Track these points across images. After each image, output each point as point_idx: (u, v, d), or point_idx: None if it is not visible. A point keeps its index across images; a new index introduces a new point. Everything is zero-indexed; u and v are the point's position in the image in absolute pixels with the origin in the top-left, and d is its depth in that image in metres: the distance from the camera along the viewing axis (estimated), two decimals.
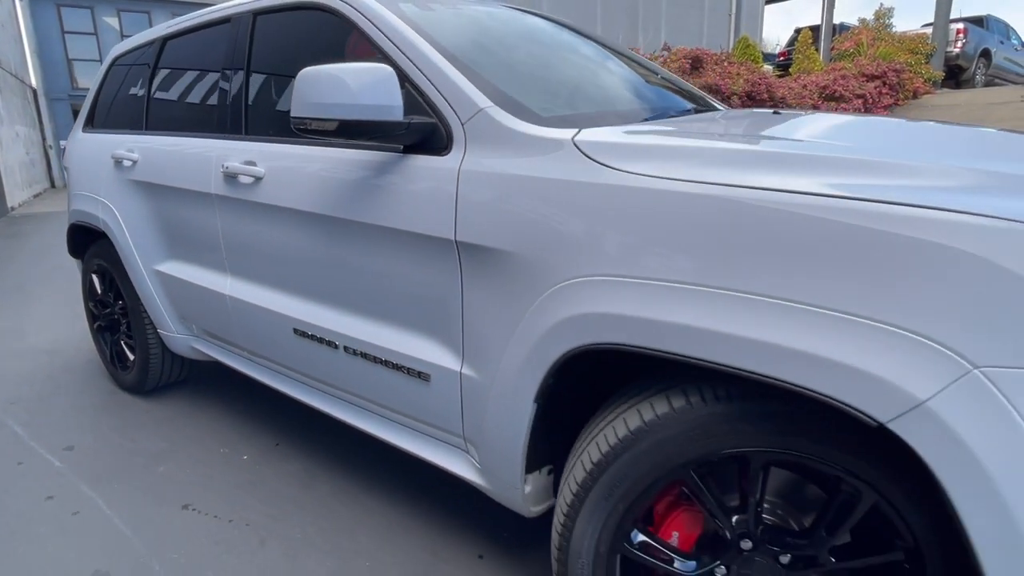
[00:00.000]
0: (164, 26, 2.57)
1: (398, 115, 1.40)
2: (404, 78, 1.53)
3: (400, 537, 1.83)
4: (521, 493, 1.39)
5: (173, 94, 2.41)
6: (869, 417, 0.87)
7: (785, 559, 1.09)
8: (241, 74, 2.05)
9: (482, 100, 1.41)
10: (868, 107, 11.15)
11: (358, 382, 1.73)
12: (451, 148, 1.42)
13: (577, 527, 1.16)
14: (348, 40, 1.74)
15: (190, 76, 2.33)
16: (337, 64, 1.40)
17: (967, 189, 0.91)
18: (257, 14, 2.04)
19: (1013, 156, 1.18)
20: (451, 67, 1.49)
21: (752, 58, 10.94)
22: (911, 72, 12.00)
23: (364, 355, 1.66)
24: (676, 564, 1.14)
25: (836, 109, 10.73)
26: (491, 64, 1.66)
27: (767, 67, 16.07)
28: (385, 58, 1.58)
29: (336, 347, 1.73)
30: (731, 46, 12.08)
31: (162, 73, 2.49)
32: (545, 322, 1.20)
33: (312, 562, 1.74)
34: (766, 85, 9.41)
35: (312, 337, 1.80)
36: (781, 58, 15.11)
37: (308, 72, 1.40)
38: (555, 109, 1.55)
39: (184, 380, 2.92)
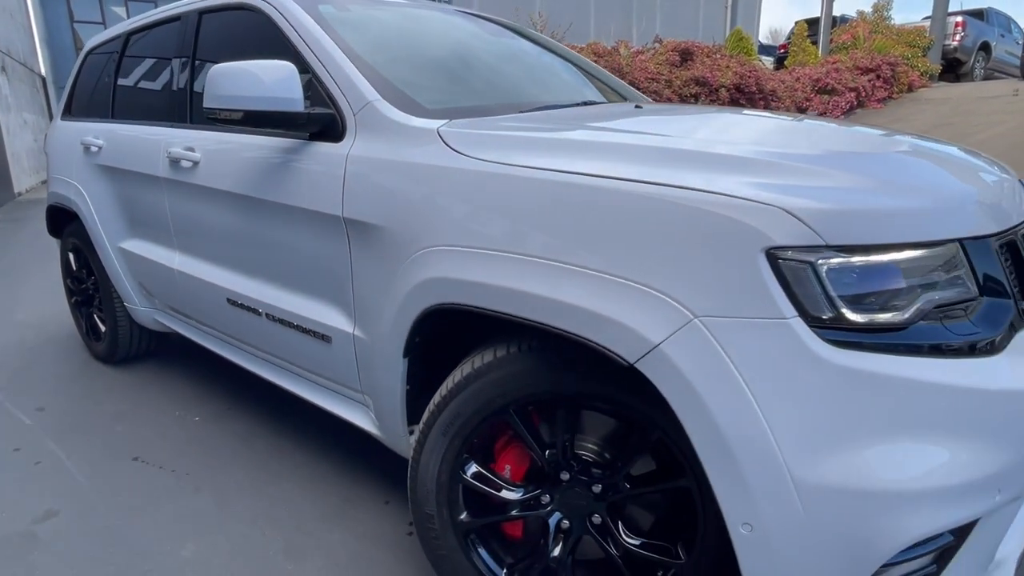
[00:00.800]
0: (129, 21, 2.77)
1: (299, 107, 1.59)
2: (312, 73, 1.72)
3: (320, 486, 2.04)
4: (407, 441, 1.59)
5: (133, 85, 2.62)
6: (622, 358, 1.06)
7: (597, 488, 1.28)
8: (187, 67, 2.25)
9: (371, 94, 1.60)
10: (861, 100, 11.19)
11: (279, 345, 1.94)
12: (345, 136, 1.61)
13: (423, 459, 1.35)
14: None
15: (147, 68, 2.54)
16: (244, 61, 1.60)
17: (728, 174, 1.09)
18: (202, 13, 2.24)
19: (816, 149, 1.35)
20: (350, 64, 1.68)
21: (745, 51, 11.00)
22: (907, 65, 12.00)
23: (281, 321, 1.86)
24: (505, 492, 1.33)
25: (828, 103, 10.79)
26: (393, 61, 1.84)
27: (767, 59, 16.08)
28: (297, 55, 1.78)
29: (260, 314, 1.94)
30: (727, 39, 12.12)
31: (125, 65, 2.70)
32: (407, 285, 1.40)
33: (240, 507, 1.95)
34: (755, 78, 9.50)
35: (241, 306, 2.01)
36: (781, 51, 15.11)
37: (217, 68, 1.60)
38: (445, 102, 1.74)
39: (152, 352, 3.14)
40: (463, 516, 1.35)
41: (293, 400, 1.97)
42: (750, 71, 9.58)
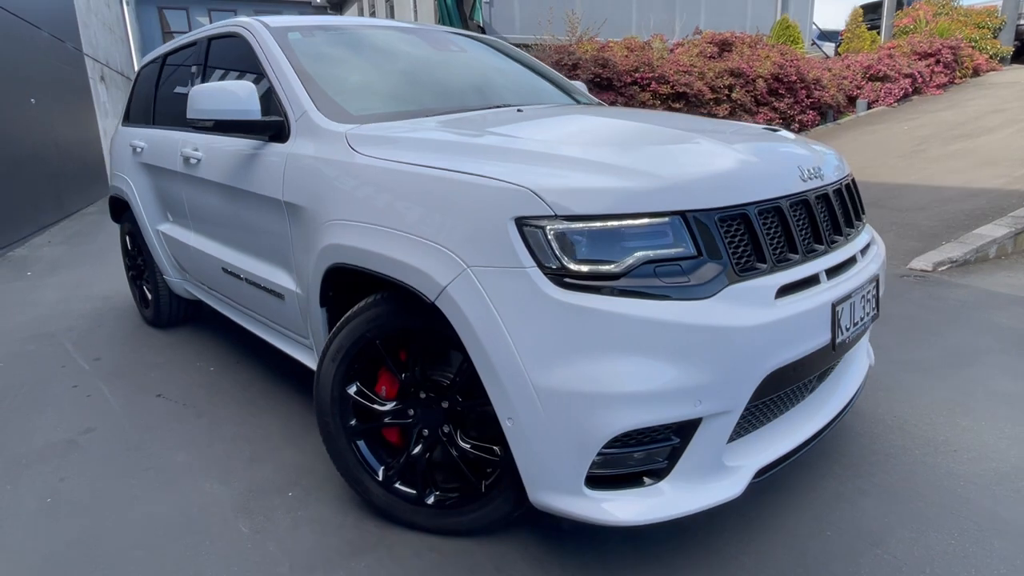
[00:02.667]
0: (166, 44, 3.38)
1: (256, 116, 2.08)
2: (272, 88, 2.21)
3: (290, 417, 2.54)
4: None
5: (164, 97, 3.22)
6: (427, 297, 1.47)
7: (444, 404, 1.69)
8: (199, 80, 2.80)
9: (308, 104, 2.07)
10: (918, 87, 10.78)
11: (255, 303, 2.45)
12: (288, 138, 2.08)
13: (321, 379, 1.81)
14: None
15: (174, 83, 3.12)
16: (216, 83, 2.10)
17: (511, 163, 1.48)
18: (210, 39, 2.79)
19: (624, 146, 1.70)
20: (297, 81, 2.16)
21: (791, 39, 10.82)
22: (973, 48, 11.41)
23: (254, 284, 2.37)
24: (377, 406, 1.77)
25: (880, 90, 10.48)
26: (339, 78, 2.30)
27: (828, 46, 15.55)
28: (263, 73, 2.27)
29: (241, 279, 2.46)
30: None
31: (162, 81, 3.30)
32: (317, 250, 1.85)
33: (225, 430, 2.48)
34: (795, 67, 9.39)
35: (230, 273, 2.54)
36: (843, 37, 14.61)
37: (195, 88, 2.11)
38: (371, 109, 2.18)
39: (188, 318, 3.78)
40: (352, 422, 1.80)
41: (284, 355, 2.47)
42: (791, 60, 9.48)
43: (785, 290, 1.49)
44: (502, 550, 1.72)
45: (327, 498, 1.99)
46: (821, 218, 1.68)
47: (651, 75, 8.22)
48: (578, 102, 2.86)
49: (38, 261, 5.88)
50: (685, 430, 1.42)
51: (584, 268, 1.36)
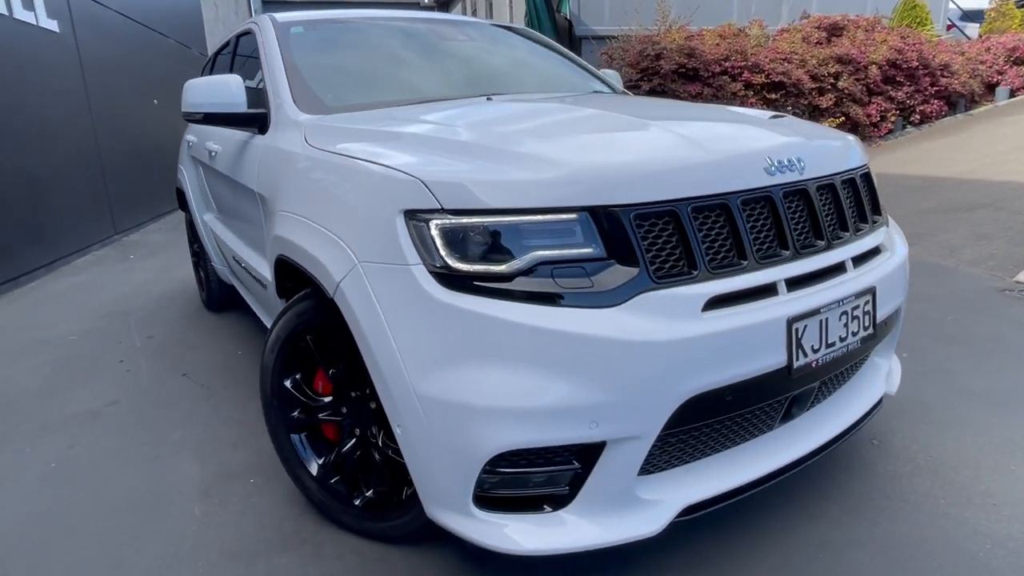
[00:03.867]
0: (220, 43, 3.58)
1: (242, 108, 2.13)
2: (263, 81, 2.24)
3: None
4: None
5: None
6: (328, 293, 1.41)
7: (373, 405, 1.63)
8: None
9: (286, 97, 2.08)
10: None
11: (254, 292, 2.52)
12: (268, 130, 2.11)
13: (263, 369, 1.80)
14: None
15: None
16: (206, 77, 2.17)
17: (423, 153, 1.38)
18: (238, 36, 2.90)
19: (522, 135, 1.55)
20: (282, 74, 2.18)
21: (918, 21, 9.66)
22: None
23: (249, 272, 2.44)
24: (309, 400, 1.74)
25: (1021, 75, 9.11)
26: (326, 71, 2.30)
27: (973, 27, 13.79)
28: (263, 66, 2.31)
29: (242, 267, 2.54)
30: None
31: None
32: (270, 240, 1.85)
33: (225, 412, 2.58)
34: (918, 52, 8.36)
35: (236, 261, 2.63)
36: (988, 16, 12.87)
37: (188, 83, 2.18)
38: (347, 100, 2.15)
39: (237, 303, 3.99)
40: (291, 415, 1.78)
41: None
42: (912, 44, 8.46)
43: (721, 301, 1.28)
44: (423, 562, 1.63)
45: (283, 490, 1.99)
46: (792, 218, 1.43)
47: (743, 64, 7.64)
48: (596, 91, 2.68)
49: (144, 246, 6.51)
50: (587, 455, 1.26)
51: (470, 268, 1.23)
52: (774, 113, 2.04)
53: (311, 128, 1.82)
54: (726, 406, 1.31)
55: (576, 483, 1.29)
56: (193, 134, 3.52)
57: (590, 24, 10.07)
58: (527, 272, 1.22)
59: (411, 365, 1.26)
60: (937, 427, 2.17)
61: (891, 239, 1.72)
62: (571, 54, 3.04)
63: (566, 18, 9.47)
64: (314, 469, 1.75)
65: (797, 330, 1.33)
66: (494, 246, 1.23)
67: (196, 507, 1.94)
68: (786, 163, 1.43)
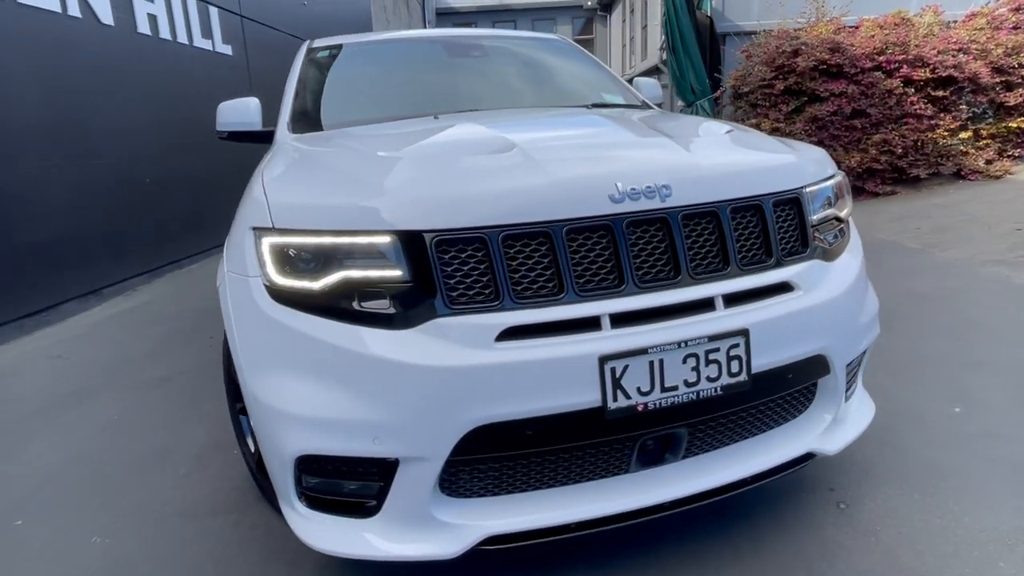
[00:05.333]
0: None
1: (257, 127, 2.44)
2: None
3: None
4: None
5: None
6: None
7: None
8: None
9: (285, 117, 2.35)
10: None
11: None
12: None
13: (224, 364, 2.07)
14: None
15: None
16: (232, 100, 2.51)
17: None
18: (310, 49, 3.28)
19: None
20: (291, 95, 2.45)
21: None
22: None
23: None
24: None
25: None
26: (336, 92, 2.53)
27: None
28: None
29: None
30: None
31: None
32: None
33: (205, 403, 2.90)
34: None
35: None
36: None
37: (220, 105, 2.54)
38: (340, 118, 2.35)
39: None
40: (240, 405, 2.02)
41: None
42: None
43: (523, 332, 1.25)
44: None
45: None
46: (640, 249, 1.33)
47: (901, 57, 6.65)
48: (595, 104, 2.60)
49: None
50: (386, 470, 1.31)
51: (289, 283, 1.35)
52: (729, 127, 1.86)
53: (279, 147, 2.05)
54: (529, 440, 1.27)
55: (381, 496, 1.34)
56: None
57: (735, 19, 9.44)
58: (337, 291, 1.30)
59: (246, 366, 1.41)
60: (922, 496, 1.82)
61: (817, 275, 1.48)
62: (602, 65, 2.97)
63: (707, 16, 9.00)
64: (252, 446, 1.98)
65: (614, 369, 1.24)
66: (309, 264, 1.33)
67: (182, 468, 2.28)
68: (641, 190, 1.33)
